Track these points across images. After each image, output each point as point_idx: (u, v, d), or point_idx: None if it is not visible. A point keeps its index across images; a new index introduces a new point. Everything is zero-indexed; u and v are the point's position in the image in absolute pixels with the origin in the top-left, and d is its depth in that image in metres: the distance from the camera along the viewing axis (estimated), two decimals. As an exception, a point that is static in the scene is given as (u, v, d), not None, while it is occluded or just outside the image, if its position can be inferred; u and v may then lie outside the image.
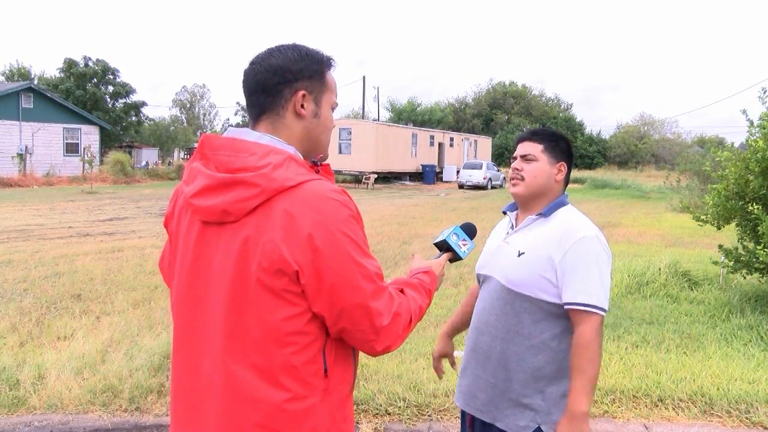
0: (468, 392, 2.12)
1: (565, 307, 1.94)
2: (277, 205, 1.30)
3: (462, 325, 2.39)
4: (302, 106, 1.43)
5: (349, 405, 1.47)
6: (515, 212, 2.19)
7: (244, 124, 1.48)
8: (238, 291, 1.32)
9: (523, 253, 2.02)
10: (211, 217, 1.35)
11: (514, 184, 2.12)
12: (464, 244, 1.87)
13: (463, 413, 2.23)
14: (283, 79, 1.41)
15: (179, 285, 1.45)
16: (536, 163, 2.08)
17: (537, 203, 2.09)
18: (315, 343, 1.35)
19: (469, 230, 1.90)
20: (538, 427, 1.96)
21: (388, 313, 1.38)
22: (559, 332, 1.98)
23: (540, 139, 2.11)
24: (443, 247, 1.86)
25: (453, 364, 2.37)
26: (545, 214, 2.06)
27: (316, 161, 1.49)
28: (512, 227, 2.15)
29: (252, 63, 1.45)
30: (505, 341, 2.02)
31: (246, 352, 1.32)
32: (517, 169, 2.11)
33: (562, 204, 2.09)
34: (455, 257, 1.86)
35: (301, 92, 1.42)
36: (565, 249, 1.94)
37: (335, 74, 1.52)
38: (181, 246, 1.44)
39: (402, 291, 1.52)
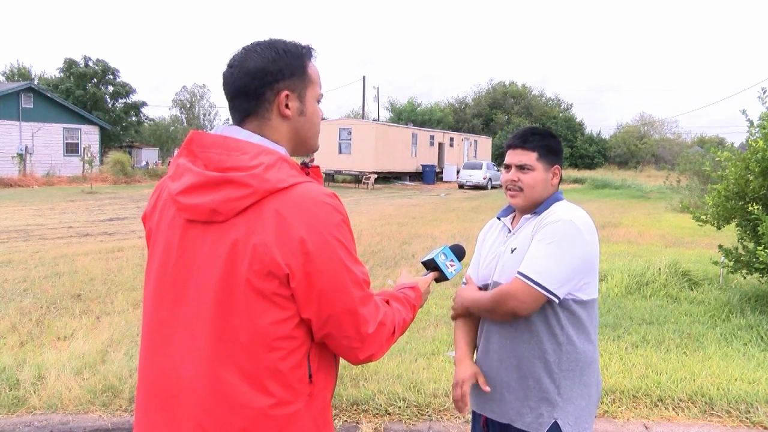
0: (482, 396, 2.11)
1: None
2: (268, 206, 1.27)
3: (474, 343, 2.28)
4: (287, 106, 1.39)
5: (330, 411, 1.45)
6: (510, 216, 2.20)
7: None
8: (226, 293, 1.28)
9: (515, 249, 2.04)
10: (198, 215, 1.32)
11: (512, 196, 2.10)
12: (452, 265, 1.87)
13: (475, 415, 2.22)
14: (264, 82, 1.36)
15: (158, 283, 1.39)
16: (533, 173, 2.06)
17: (535, 207, 2.11)
18: (301, 347, 1.33)
19: (458, 252, 1.91)
20: (555, 422, 1.97)
21: (374, 321, 1.37)
22: (566, 325, 1.98)
23: (533, 146, 2.07)
24: (431, 266, 1.87)
25: (485, 383, 2.06)
26: (539, 212, 2.07)
27: (306, 162, 1.47)
28: (509, 231, 2.16)
29: (229, 66, 1.39)
30: (516, 340, 2.02)
31: (233, 356, 1.28)
32: (514, 181, 2.08)
33: (556, 200, 2.09)
34: (442, 277, 1.86)
35: (284, 92, 1.38)
36: (538, 231, 1.97)
37: (319, 65, 1.46)
38: (161, 244, 1.39)
39: (387, 302, 1.51)
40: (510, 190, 2.11)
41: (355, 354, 1.38)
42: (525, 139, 2.09)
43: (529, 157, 2.07)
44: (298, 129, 1.43)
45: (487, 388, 2.06)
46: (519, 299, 1.91)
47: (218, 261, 1.29)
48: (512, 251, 2.04)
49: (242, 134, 1.36)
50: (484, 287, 2.21)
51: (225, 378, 1.29)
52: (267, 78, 1.36)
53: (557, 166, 2.11)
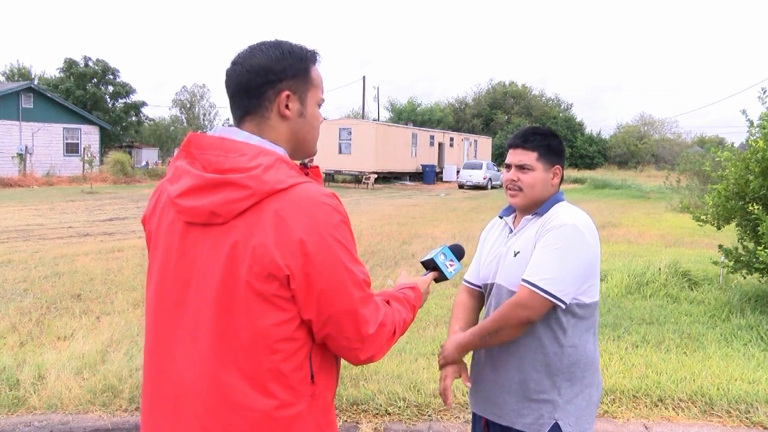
0: (484, 398, 2.12)
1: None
2: (268, 207, 1.27)
3: None
4: (287, 106, 1.38)
5: (332, 411, 1.45)
6: (512, 216, 2.19)
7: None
8: (226, 295, 1.28)
9: (518, 253, 2.03)
10: (197, 218, 1.31)
11: (512, 195, 2.11)
12: (451, 265, 1.87)
13: (475, 417, 2.22)
14: (266, 80, 1.36)
15: (159, 286, 1.39)
16: (533, 173, 2.07)
17: (535, 207, 2.10)
18: (302, 349, 1.33)
19: (457, 251, 1.91)
20: (556, 423, 1.97)
21: (375, 322, 1.37)
22: (567, 327, 1.98)
23: (533, 146, 2.08)
24: (430, 266, 1.87)
25: (468, 380, 2.14)
26: (540, 212, 2.07)
27: (305, 163, 1.46)
28: (510, 231, 2.15)
29: (234, 63, 1.40)
30: (517, 343, 2.02)
31: (234, 359, 1.28)
32: (514, 180, 2.09)
33: (557, 201, 2.09)
34: (441, 277, 1.86)
35: (285, 92, 1.37)
36: (541, 236, 1.97)
37: (321, 68, 1.46)
38: (161, 246, 1.39)
39: (388, 303, 1.51)
40: (510, 189, 2.11)
41: (356, 355, 1.37)
42: (525, 139, 2.09)
43: (528, 157, 2.07)
44: (297, 131, 1.42)
45: (469, 384, 2.11)
46: (528, 307, 1.89)
47: (218, 263, 1.29)
48: (515, 254, 2.03)
49: (240, 135, 1.35)
50: (484, 287, 2.21)
51: (227, 380, 1.29)
52: (269, 76, 1.36)
53: (558, 166, 2.11)
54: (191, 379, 1.32)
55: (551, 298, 1.89)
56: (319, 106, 1.47)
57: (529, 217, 2.09)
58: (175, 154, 1.42)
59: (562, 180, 2.15)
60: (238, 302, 1.27)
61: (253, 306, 1.27)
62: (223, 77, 1.42)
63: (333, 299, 1.30)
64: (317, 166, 1.47)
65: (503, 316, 1.94)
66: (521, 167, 2.08)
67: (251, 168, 1.28)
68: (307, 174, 1.40)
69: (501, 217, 2.23)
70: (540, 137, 2.10)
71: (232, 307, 1.28)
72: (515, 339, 2.01)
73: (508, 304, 1.94)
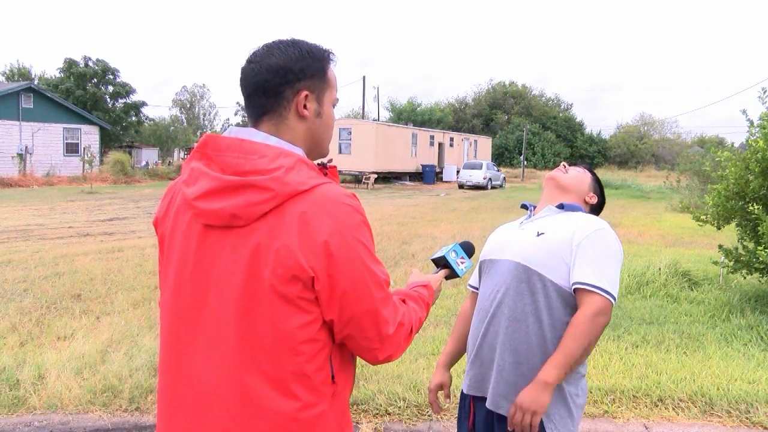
0: (476, 378, 2.12)
1: (573, 286, 1.95)
2: (291, 209, 1.26)
3: (458, 353, 2.35)
4: (305, 106, 1.37)
5: (349, 410, 1.46)
6: (533, 207, 2.27)
7: (244, 124, 1.42)
8: (249, 298, 1.27)
9: (542, 233, 2.06)
10: (217, 221, 1.30)
11: (554, 171, 2.31)
12: (462, 262, 1.87)
13: (463, 398, 2.21)
14: (285, 80, 1.35)
15: (176, 289, 1.37)
16: (580, 175, 2.29)
17: (562, 198, 2.22)
18: (324, 349, 1.33)
19: (468, 249, 1.91)
20: (540, 421, 1.95)
21: (394, 322, 1.37)
22: (568, 320, 1.97)
23: (591, 172, 2.36)
24: (441, 263, 1.87)
25: (448, 396, 2.30)
26: (564, 208, 2.16)
27: (324, 163, 1.45)
28: (528, 217, 2.22)
29: (250, 61, 1.37)
30: (517, 321, 2.00)
31: (258, 362, 1.28)
32: (565, 166, 2.32)
33: (581, 209, 2.21)
34: (452, 274, 1.86)
35: (304, 93, 1.37)
36: (584, 235, 2.00)
37: (335, 69, 1.46)
38: (178, 249, 1.37)
39: (404, 302, 1.51)
40: (558, 171, 2.30)
41: (375, 355, 1.37)
42: (590, 168, 2.39)
43: (584, 171, 2.33)
44: (314, 131, 1.42)
45: (447, 403, 2.30)
46: (607, 313, 1.92)
47: (240, 266, 1.28)
48: (538, 234, 2.06)
49: (258, 136, 1.34)
50: (482, 263, 2.24)
51: (251, 384, 1.28)
52: (288, 76, 1.35)
53: (596, 196, 2.29)
54: (213, 384, 1.31)
55: (614, 301, 1.95)
56: (334, 105, 1.47)
57: (552, 207, 2.17)
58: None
59: (595, 212, 2.28)
60: (261, 305, 1.27)
61: (277, 308, 1.26)
62: (237, 76, 1.40)
63: (355, 300, 1.30)
64: (335, 166, 1.46)
65: (589, 330, 1.89)
66: (575, 165, 2.33)
67: (273, 170, 1.27)
68: (325, 174, 1.39)
69: (524, 206, 2.31)
70: (597, 177, 2.37)
71: (255, 310, 1.27)
72: (516, 323, 2.00)
73: (587, 318, 1.89)
